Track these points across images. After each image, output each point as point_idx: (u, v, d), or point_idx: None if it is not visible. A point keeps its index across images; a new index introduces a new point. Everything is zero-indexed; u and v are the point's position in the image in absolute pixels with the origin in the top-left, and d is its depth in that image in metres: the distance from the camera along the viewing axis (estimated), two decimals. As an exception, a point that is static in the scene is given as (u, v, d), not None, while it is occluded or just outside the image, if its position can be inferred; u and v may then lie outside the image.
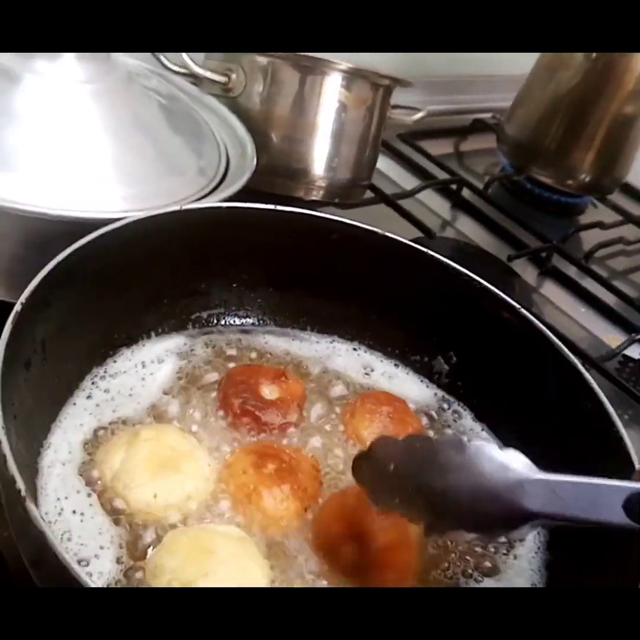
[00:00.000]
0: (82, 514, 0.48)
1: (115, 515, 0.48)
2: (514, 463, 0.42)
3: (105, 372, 0.58)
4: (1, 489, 0.40)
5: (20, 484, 0.37)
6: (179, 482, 0.50)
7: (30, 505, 0.36)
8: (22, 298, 0.46)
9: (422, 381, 0.67)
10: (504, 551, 0.54)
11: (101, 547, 0.46)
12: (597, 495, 0.42)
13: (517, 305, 0.62)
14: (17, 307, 0.46)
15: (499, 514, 0.42)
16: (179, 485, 0.49)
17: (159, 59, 0.80)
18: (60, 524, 0.47)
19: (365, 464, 0.48)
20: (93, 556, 0.45)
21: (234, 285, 0.66)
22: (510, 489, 0.42)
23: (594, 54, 1.06)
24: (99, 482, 0.50)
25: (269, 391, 0.59)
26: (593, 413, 0.56)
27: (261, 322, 0.67)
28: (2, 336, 0.44)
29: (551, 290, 1.02)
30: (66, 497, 0.48)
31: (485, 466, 0.43)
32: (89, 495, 0.49)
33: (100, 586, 0.35)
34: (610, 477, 0.44)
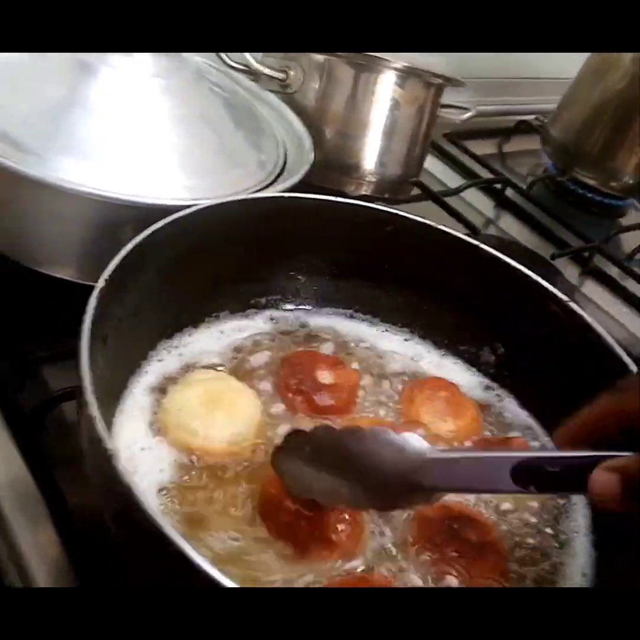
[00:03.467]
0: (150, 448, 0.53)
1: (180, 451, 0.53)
2: (410, 445, 0.46)
3: (172, 345, 0.61)
4: (87, 450, 0.44)
5: (108, 444, 0.40)
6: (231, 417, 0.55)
7: (117, 463, 0.39)
8: (105, 275, 0.49)
9: (468, 370, 0.69)
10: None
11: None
12: (486, 467, 0.45)
13: (566, 298, 0.64)
14: (101, 283, 0.49)
15: (401, 492, 0.47)
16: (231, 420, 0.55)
17: (221, 57, 0.83)
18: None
19: (281, 455, 0.51)
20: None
21: (292, 273, 0.69)
22: (408, 469, 0.46)
23: (642, 58, 1.07)
24: (162, 425, 0.55)
25: (324, 376, 0.61)
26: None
27: (317, 308, 0.70)
28: (88, 308, 0.47)
29: (592, 289, 1.03)
30: (136, 444, 0.53)
31: (385, 450, 0.46)
32: (155, 436, 0.54)
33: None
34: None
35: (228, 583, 0.36)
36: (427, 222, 0.67)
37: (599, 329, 0.62)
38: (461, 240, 0.67)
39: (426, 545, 0.51)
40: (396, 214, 0.67)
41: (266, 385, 0.61)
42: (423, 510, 0.53)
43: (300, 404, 0.60)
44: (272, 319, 0.68)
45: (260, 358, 0.63)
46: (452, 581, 0.50)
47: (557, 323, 0.65)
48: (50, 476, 0.56)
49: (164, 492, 0.51)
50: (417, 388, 0.63)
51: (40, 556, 0.51)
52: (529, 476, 0.44)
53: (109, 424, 0.53)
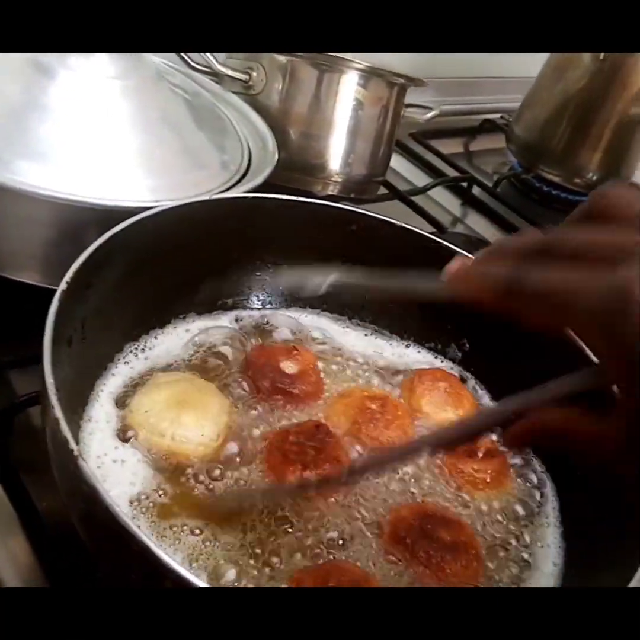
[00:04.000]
0: (122, 461, 0.52)
1: (149, 455, 0.53)
2: None
3: (138, 348, 0.61)
4: (52, 452, 0.43)
5: (73, 444, 0.40)
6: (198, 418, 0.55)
7: (82, 463, 0.39)
8: (67, 277, 0.49)
9: (436, 357, 0.70)
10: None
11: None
12: None
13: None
14: (63, 286, 0.48)
15: None
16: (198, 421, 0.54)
17: (183, 58, 0.83)
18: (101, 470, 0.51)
19: None
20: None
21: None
22: None
23: (602, 56, 1.09)
24: (131, 430, 0.54)
25: (288, 366, 0.62)
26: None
27: (283, 307, 0.70)
28: (50, 311, 0.47)
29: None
30: (106, 454, 0.52)
31: None
32: (125, 445, 0.53)
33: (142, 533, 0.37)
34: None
35: (197, 582, 0.36)
36: (390, 219, 0.68)
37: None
38: (423, 237, 0.68)
39: (397, 545, 0.52)
40: (359, 213, 0.67)
41: (234, 385, 0.61)
42: (398, 509, 0.54)
43: (272, 398, 0.60)
44: (238, 319, 0.68)
45: (226, 357, 0.63)
46: (423, 580, 0.50)
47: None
48: (18, 481, 0.56)
49: (136, 503, 0.51)
50: (417, 379, 0.64)
51: (10, 561, 0.51)
52: None
53: (77, 429, 0.53)
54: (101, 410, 0.55)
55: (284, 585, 0.47)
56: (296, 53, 0.84)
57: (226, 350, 0.63)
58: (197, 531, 0.49)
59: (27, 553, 0.52)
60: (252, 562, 0.49)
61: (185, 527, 0.49)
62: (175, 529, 0.49)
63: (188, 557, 0.48)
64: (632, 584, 0.44)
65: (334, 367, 0.66)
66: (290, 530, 0.51)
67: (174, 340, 0.64)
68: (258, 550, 0.49)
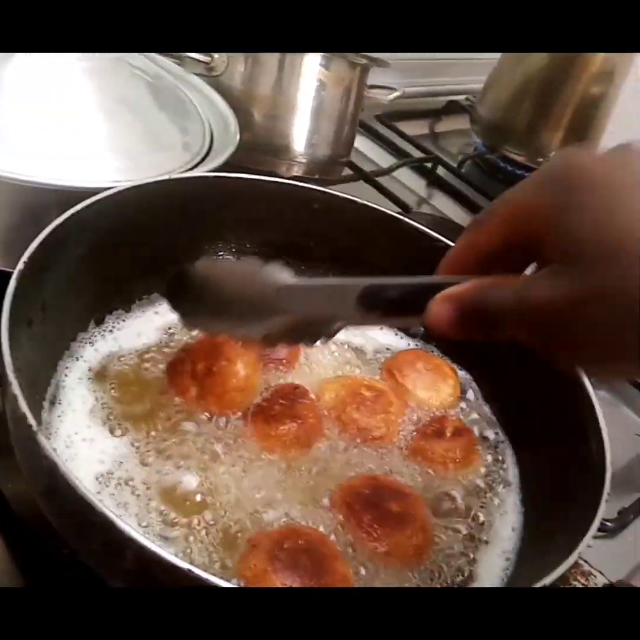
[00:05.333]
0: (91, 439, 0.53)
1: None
2: (267, 275, 0.49)
3: (106, 330, 0.61)
4: (12, 429, 0.44)
5: (31, 419, 0.40)
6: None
7: (40, 437, 0.39)
8: (25, 257, 0.49)
9: (396, 334, 0.72)
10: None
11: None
12: (333, 292, 0.48)
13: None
14: (20, 266, 0.48)
15: (263, 320, 0.49)
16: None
17: (143, 40, 0.83)
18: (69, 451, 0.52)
19: (178, 289, 0.55)
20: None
21: (221, 254, 0.69)
22: (265, 297, 0.48)
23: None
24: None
25: None
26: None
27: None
28: (7, 294, 0.47)
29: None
30: (76, 433, 0.53)
31: (256, 280, 0.49)
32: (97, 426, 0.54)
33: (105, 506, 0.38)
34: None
35: (158, 551, 0.37)
36: (352, 197, 0.68)
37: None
38: (385, 214, 0.69)
39: (345, 511, 0.53)
40: (322, 191, 0.68)
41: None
42: (349, 480, 0.55)
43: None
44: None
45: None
46: (366, 546, 0.51)
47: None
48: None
49: (101, 479, 0.51)
50: (399, 358, 0.67)
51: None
52: (374, 302, 0.45)
53: (39, 409, 0.53)
54: (73, 395, 0.56)
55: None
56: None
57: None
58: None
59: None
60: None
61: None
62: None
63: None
64: (583, 543, 0.45)
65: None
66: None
67: (143, 323, 0.64)
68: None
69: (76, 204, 0.56)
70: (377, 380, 0.65)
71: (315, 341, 0.52)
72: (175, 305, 0.56)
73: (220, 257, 0.69)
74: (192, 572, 0.36)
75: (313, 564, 0.46)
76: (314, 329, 0.50)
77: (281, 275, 0.49)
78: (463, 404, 0.67)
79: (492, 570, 0.54)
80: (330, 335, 0.50)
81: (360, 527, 0.51)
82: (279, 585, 0.44)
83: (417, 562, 0.52)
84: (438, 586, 0.51)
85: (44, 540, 0.50)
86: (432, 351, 0.70)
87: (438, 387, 0.66)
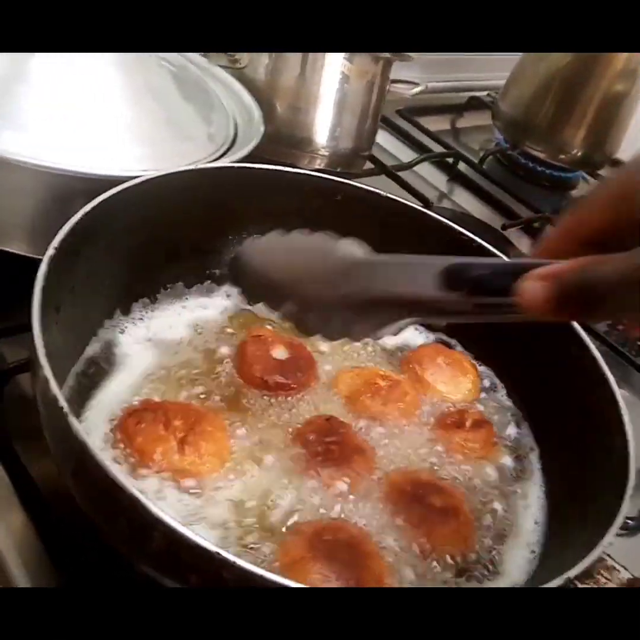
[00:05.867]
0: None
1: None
2: (349, 250, 0.47)
3: (136, 318, 0.62)
4: (42, 412, 0.44)
5: (63, 402, 0.41)
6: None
7: (72, 419, 0.40)
8: (55, 243, 0.50)
9: (416, 329, 0.71)
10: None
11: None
12: (413, 270, 0.45)
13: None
14: (51, 251, 0.49)
15: (335, 293, 0.47)
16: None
17: (169, 31, 0.83)
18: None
19: (240, 264, 0.53)
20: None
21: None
22: (340, 272, 0.47)
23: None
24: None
25: (279, 353, 0.62)
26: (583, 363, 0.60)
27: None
28: (37, 279, 0.47)
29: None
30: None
31: (329, 255, 0.48)
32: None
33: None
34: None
35: (186, 532, 0.37)
36: (375, 189, 0.69)
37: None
38: (408, 207, 0.69)
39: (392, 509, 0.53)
40: (344, 183, 0.68)
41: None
42: (391, 476, 0.55)
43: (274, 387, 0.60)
44: (228, 295, 0.68)
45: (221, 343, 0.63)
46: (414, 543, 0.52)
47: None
48: (10, 448, 0.56)
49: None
50: (418, 353, 0.67)
51: (6, 528, 0.52)
52: (459, 281, 0.42)
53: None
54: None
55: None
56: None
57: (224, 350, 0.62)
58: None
59: (23, 520, 0.53)
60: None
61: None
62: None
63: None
64: (606, 539, 0.45)
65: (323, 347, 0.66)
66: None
67: (173, 317, 0.64)
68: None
69: (103, 192, 0.56)
70: (392, 372, 0.65)
71: (376, 332, 0.49)
72: (238, 280, 0.54)
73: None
74: (220, 554, 0.37)
75: (350, 557, 0.47)
76: (382, 315, 0.46)
77: (357, 250, 0.47)
78: (485, 397, 0.67)
79: (517, 562, 0.54)
80: (394, 330, 0.47)
81: (410, 524, 0.52)
82: (314, 574, 0.45)
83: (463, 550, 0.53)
84: (465, 581, 0.51)
85: (72, 524, 0.50)
86: (455, 346, 0.70)
87: (458, 381, 0.66)
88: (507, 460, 0.62)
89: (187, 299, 0.66)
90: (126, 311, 0.62)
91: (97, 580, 0.49)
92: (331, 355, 0.65)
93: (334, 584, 0.45)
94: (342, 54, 0.86)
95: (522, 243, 1.07)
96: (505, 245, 1.02)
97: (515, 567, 0.53)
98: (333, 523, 0.50)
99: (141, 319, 0.62)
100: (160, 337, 0.62)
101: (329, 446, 0.54)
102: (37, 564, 0.50)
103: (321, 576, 0.45)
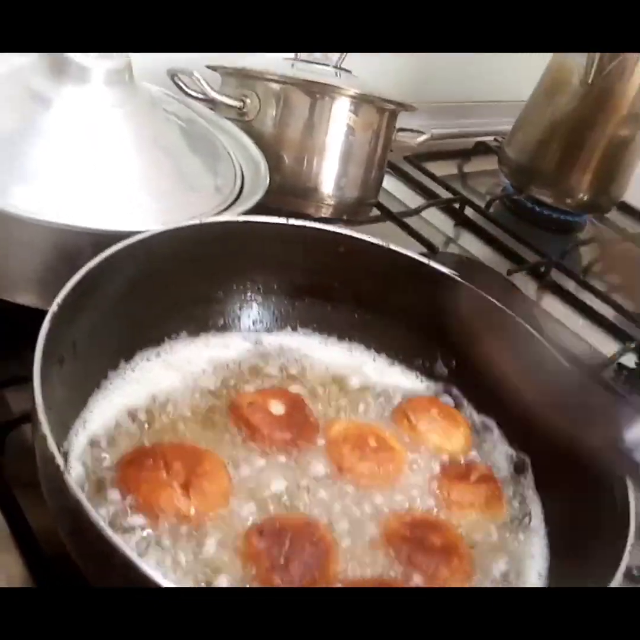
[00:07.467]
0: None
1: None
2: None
3: (131, 369, 0.63)
4: (41, 468, 0.45)
5: (59, 460, 0.41)
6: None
7: (67, 478, 0.41)
8: (59, 299, 0.51)
9: (417, 377, 0.72)
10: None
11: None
12: None
13: (513, 315, 0.67)
14: (54, 308, 0.50)
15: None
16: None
17: (178, 85, 0.86)
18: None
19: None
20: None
21: (249, 294, 0.71)
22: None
23: (590, 80, 1.12)
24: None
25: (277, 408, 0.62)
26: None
27: (274, 327, 0.72)
28: (41, 333, 0.48)
29: (551, 303, 1.06)
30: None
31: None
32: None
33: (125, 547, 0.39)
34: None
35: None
36: (377, 242, 0.69)
37: (548, 346, 0.65)
38: (411, 258, 0.70)
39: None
40: (347, 235, 0.69)
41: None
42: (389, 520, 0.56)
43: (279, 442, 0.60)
44: (227, 346, 0.68)
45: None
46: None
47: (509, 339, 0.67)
48: (11, 498, 0.57)
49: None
50: (409, 405, 0.67)
51: (4, 578, 0.52)
52: None
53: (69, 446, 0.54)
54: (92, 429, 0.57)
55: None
56: (289, 79, 0.87)
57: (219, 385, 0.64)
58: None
59: (21, 570, 0.53)
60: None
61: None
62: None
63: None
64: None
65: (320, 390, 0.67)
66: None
67: (165, 370, 0.64)
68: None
69: (109, 245, 0.58)
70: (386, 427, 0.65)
71: None
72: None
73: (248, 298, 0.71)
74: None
75: None
76: None
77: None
78: (483, 448, 0.66)
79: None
80: None
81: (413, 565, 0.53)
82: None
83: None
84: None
85: (69, 578, 0.50)
86: (457, 396, 0.70)
87: (450, 434, 0.66)
88: (509, 514, 0.62)
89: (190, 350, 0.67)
90: (129, 360, 0.63)
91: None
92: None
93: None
94: (348, 107, 0.88)
95: (529, 288, 1.07)
96: (513, 291, 1.02)
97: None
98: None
99: (140, 370, 0.63)
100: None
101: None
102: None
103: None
